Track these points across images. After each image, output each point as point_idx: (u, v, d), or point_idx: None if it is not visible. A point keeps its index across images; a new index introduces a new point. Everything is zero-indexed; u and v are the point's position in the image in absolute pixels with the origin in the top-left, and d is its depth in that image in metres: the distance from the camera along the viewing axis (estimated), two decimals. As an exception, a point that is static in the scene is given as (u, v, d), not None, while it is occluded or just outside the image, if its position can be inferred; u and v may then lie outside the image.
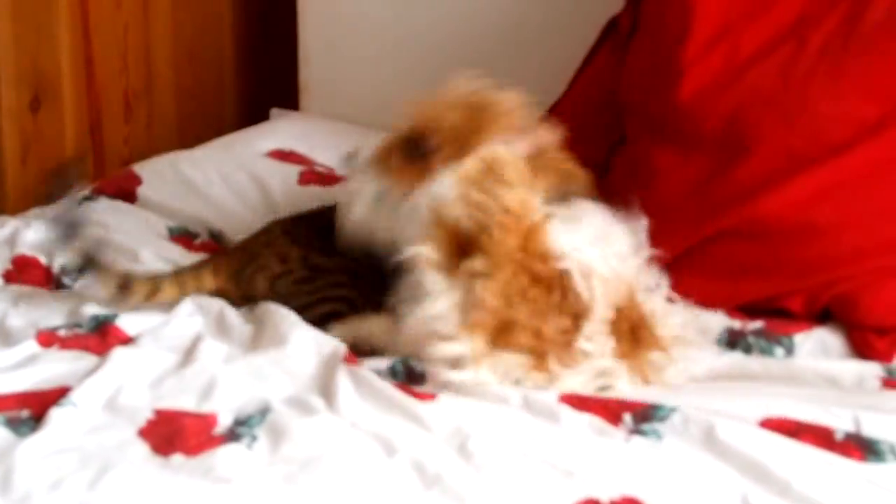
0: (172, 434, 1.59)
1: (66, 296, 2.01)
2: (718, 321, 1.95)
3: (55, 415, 1.63)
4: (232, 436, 1.60)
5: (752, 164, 1.93)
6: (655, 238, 2.00)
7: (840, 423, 1.65)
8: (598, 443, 1.62)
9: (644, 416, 1.66)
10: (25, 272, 2.09)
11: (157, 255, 2.13)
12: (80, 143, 2.74)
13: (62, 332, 1.88)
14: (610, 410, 1.68)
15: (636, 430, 1.64)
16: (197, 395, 1.70)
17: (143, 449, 1.57)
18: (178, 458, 1.55)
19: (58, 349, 1.83)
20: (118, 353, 1.79)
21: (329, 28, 2.82)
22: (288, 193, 2.36)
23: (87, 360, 1.79)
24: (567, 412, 1.67)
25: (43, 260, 2.12)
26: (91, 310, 1.92)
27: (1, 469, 1.51)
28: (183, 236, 2.25)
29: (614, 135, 2.17)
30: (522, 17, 2.59)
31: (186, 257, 2.14)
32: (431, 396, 1.70)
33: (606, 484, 1.51)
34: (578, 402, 1.69)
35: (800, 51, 1.96)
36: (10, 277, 2.08)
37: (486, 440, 1.59)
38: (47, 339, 1.86)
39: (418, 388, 1.73)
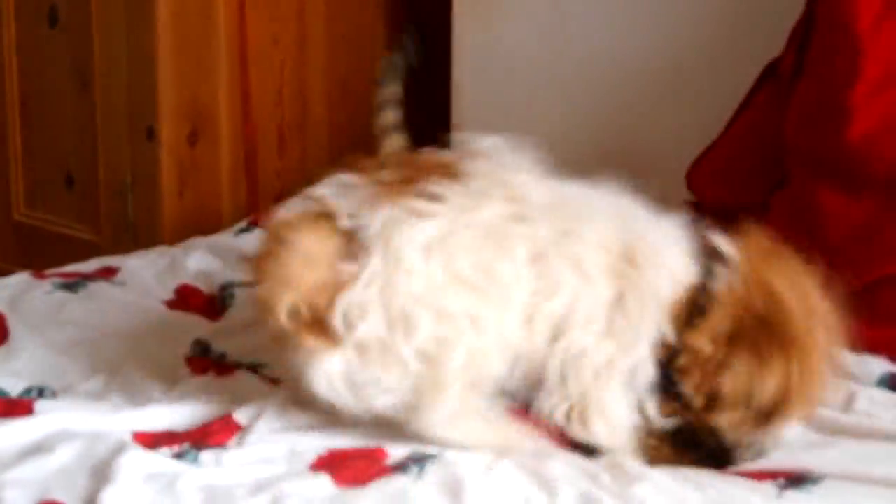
0: (346, 463, 1.59)
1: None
2: (880, 365, 1.92)
3: (226, 444, 1.64)
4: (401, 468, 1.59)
5: (921, 209, 1.91)
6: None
7: None
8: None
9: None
10: (189, 300, 2.13)
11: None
12: (235, 175, 2.78)
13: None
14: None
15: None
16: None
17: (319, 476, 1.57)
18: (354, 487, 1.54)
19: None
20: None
21: (483, 67, 2.83)
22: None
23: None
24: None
25: (204, 289, 2.16)
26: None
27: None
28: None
29: (773, 178, 2.15)
30: (679, 60, 2.58)
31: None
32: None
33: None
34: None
35: (969, 95, 1.94)
36: (173, 306, 2.12)
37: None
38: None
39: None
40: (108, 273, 2.24)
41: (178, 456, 1.61)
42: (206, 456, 1.61)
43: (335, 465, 1.58)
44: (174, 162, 2.69)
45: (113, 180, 2.75)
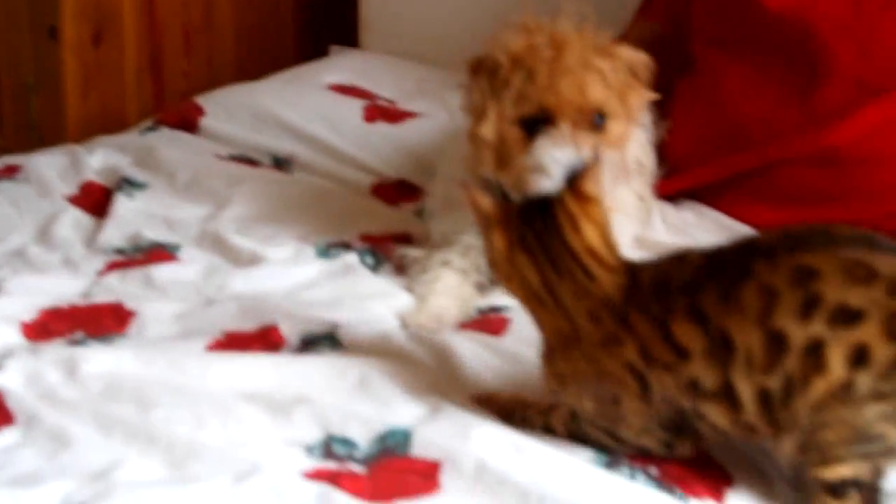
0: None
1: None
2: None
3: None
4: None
5: (825, 93, 1.93)
6: (721, 159, 2.00)
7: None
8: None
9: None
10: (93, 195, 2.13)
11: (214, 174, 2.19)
12: (140, 76, 2.74)
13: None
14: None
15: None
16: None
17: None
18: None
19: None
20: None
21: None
22: (354, 127, 2.36)
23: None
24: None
25: (108, 185, 2.15)
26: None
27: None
28: (244, 161, 2.27)
29: (678, 62, 2.15)
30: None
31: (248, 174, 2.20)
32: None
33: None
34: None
35: (874, -20, 1.95)
36: (76, 202, 2.11)
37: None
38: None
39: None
40: (9, 171, 2.22)
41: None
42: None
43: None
44: (78, 62, 2.64)
45: (15, 81, 2.70)
